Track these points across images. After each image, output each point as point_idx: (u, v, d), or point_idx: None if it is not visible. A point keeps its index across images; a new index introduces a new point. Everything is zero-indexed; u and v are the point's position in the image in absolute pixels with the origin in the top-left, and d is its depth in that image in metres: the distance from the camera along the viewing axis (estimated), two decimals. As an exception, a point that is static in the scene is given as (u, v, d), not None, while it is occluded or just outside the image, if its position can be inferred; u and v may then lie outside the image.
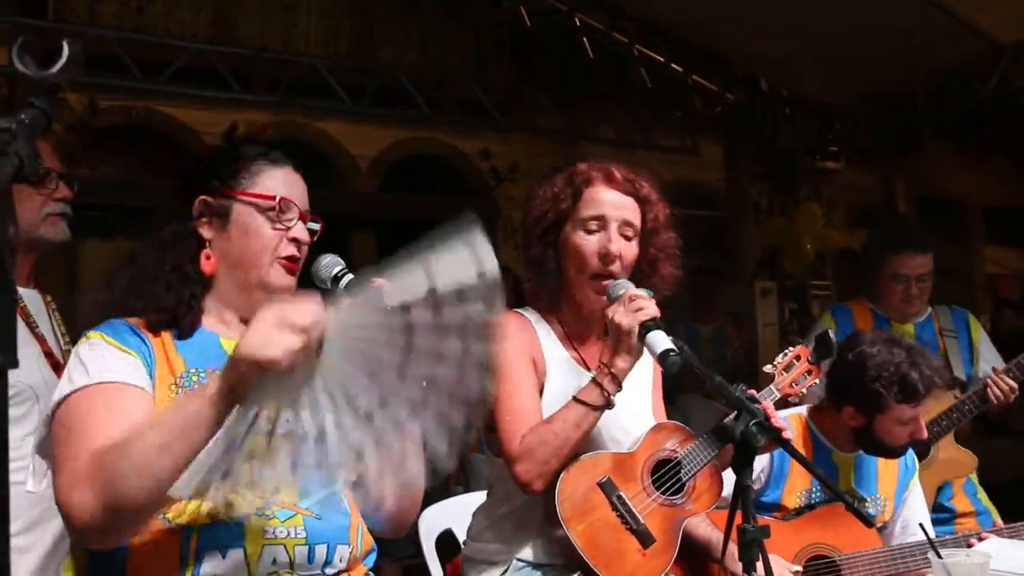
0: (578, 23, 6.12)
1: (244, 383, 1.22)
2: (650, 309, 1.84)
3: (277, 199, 1.62)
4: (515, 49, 6.86)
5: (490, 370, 1.18)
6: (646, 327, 1.82)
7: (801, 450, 2.45)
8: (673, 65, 6.36)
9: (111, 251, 5.86)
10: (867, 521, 1.74)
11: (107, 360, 1.49)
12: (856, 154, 7.20)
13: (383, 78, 5.82)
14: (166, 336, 1.58)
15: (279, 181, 1.65)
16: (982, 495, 3.21)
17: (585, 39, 6.15)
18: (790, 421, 2.39)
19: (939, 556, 1.53)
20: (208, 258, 1.62)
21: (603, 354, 1.93)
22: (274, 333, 1.19)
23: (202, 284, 1.62)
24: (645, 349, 2.12)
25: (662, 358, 1.75)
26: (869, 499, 2.55)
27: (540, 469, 1.91)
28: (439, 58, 6.67)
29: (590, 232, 2.02)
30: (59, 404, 1.48)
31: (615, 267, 2.00)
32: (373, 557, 1.66)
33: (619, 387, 1.91)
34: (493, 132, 6.93)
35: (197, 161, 1.82)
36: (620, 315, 1.86)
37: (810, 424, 2.59)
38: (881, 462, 2.60)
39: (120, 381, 1.47)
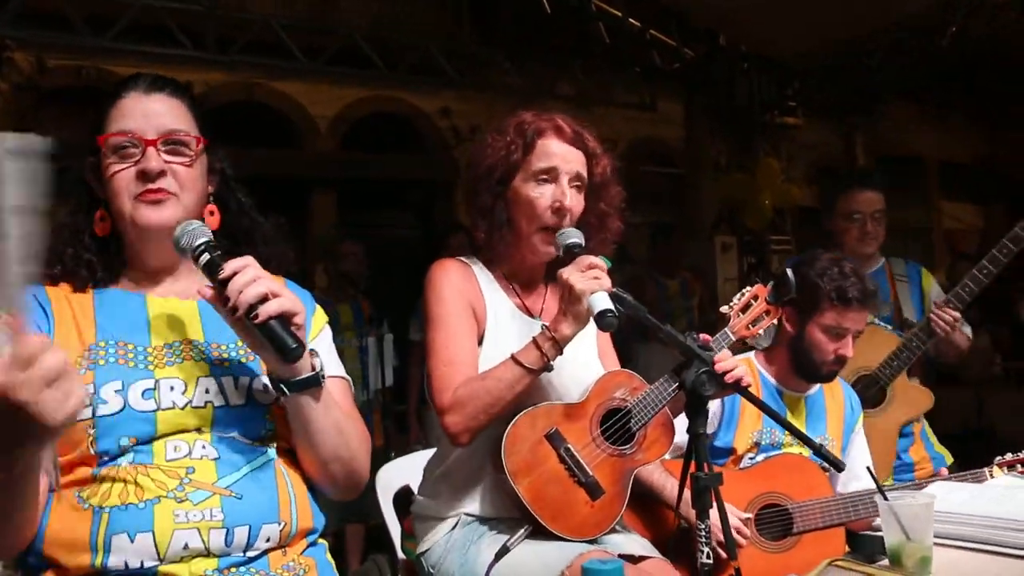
0: (536, -21, 6.07)
1: None
2: (605, 280, 1.81)
3: (100, 138, 1.53)
4: (474, 7, 6.77)
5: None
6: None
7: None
8: (631, 20, 6.32)
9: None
10: (837, 465, 1.75)
11: None
12: (815, 110, 7.24)
13: (341, 38, 5.72)
14: (83, 299, 1.53)
15: (123, 115, 1.54)
16: (934, 440, 3.27)
17: (543, -5, 6.11)
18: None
19: (885, 499, 1.55)
20: (103, 219, 1.57)
21: (553, 317, 1.90)
22: None
23: (99, 245, 1.56)
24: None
25: (599, 318, 1.73)
26: (819, 439, 2.59)
27: (468, 423, 1.88)
28: (397, 16, 6.56)
29: (541, 184, 2.00)
30: None
31: (566, 221, 1.98)
32: (320, 527, 1.58)
33: (559, 352, 1.87)
34: (453, 91, 6.86)
35: None
36: (576, 279, 1.81)
37: (759, 367, 2.63)
38: (829, 402, 2.65)
39: None
